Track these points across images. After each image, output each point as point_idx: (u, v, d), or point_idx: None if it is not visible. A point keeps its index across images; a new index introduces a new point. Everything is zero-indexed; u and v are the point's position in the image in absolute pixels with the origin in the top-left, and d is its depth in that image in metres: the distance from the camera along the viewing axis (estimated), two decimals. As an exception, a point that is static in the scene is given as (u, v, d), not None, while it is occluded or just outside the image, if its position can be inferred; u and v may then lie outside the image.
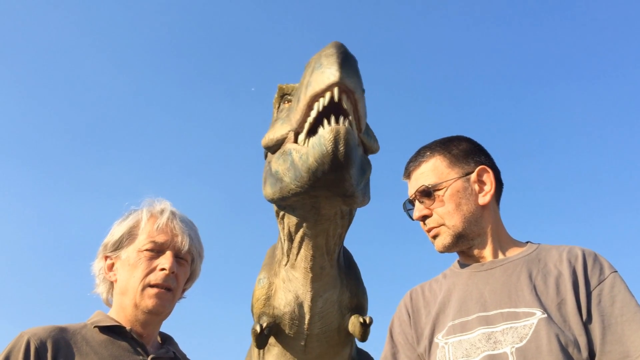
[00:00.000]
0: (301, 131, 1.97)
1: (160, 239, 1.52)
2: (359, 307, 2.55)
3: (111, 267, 1.54)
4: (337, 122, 1.81)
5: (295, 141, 2.03)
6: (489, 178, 1.54)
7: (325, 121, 1.82)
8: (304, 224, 2.20)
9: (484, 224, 1.53)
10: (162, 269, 1.48)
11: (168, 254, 1.51)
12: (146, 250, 1.50)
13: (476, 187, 1.53)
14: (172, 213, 1.59)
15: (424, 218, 1.56)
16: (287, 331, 2.47)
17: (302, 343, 2.50)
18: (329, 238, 2.26)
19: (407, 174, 1.64)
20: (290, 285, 2.40)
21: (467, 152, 1.58)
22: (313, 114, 1.86)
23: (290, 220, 2.24)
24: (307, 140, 1.94)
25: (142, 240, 1.51)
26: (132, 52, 10.96)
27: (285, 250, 2.37)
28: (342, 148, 1.74)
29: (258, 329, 2.38)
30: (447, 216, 1.51)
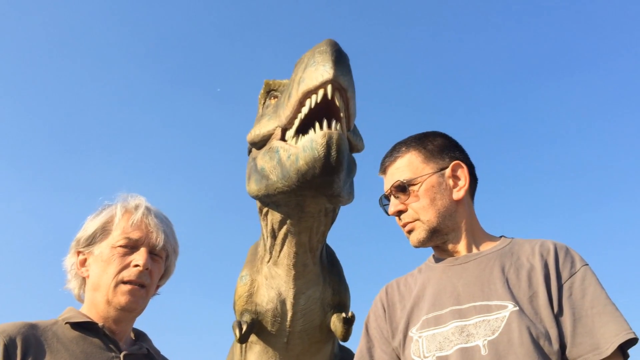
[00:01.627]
0: (290, 127, 1.96)
1: (135, 235, 1.50)
2: (342, 305, 2.55)
3: (83, 263, 1.52)
4: (329, 125, 1.80)
5: (283, 138, 2.02)
6: (463, 173, 1.56)
7: (317, 124, 1.81)
8: (288, 221, 2.19)
9: (458, 218, 1.54)
10: (136, 266, 1.47)
11: (142, 251, 1.49)
12: (120, 246, 1.48)
13: (450, 182, 1.55)
14: (147, 209, 1.56)
15: (399, 213, 1.56)
16: (269, 328, 2.46)
17: (284, 340, 2.49)
18: (313, 235, 2.26)
19: (383, 169, 1.64)
20: (273, 282, 2.39)
21: (441, 147, 1.59)
22: (304, 110, 1.85)
23: (274, 217, 2.23)
24: (296, 138, 1.92)
25: (116, 236, 1.49)
26: (116, 52, 10.87)
27: (268, 247, 2.36)
28: (334, 154, 1.74)
29: (238, 331, 2.37)
30: (422, 211, 1.52)
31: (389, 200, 1.61)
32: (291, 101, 1.85)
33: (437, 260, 1.58)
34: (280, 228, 2.26)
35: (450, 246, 1.55)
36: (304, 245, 2.28)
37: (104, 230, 1.51)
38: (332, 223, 2.35)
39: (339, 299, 2.54)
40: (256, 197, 2.20)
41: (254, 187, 2.16)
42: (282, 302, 2.40)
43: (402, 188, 1.54)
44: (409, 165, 1.56)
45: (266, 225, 2.32)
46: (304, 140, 1.81)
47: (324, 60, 1.71)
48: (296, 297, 2.37)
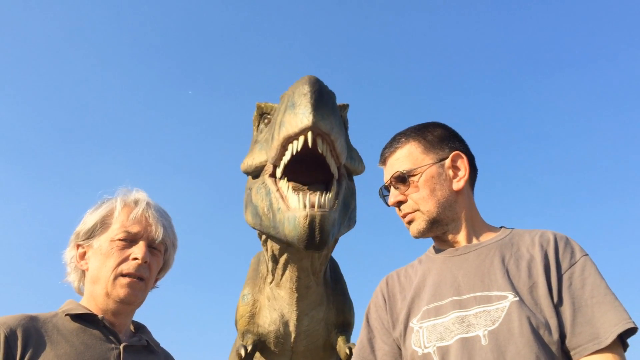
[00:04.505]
0: (278, 165, 1.93)
1: (134, 229, 1.50)
2: (346, 323, 2.52)
3: (83, 256, 1.52)
4: (313, 192, 1.78)
5: (274, 173, 1.99)
6: (463, 164, 1.55)
7: (301, 196, 1.78)
8: (288, 249, 2.17)
9: (458, 209, 1.53)
10: (135, 259, 1.47)
11: (141, 244, 1.50)
12: (119, 239, 1.49)
13: (450, 172, 1.54)
14: (147, 203, 1.57)
15: (399, 204, 1.56)
16: (272, 348, 2.45)
17: (288, 359, 2.50)
18: (315, 260, 2.23)
19: (383, 160, 1.64)
20: (276, 304, 2.36)
21: (441, 138, 1.58)
22: (288, 154, 1.81)
23: (274, 245, 2.22)
24: (285, 180, 1.91)
25: (115, 230, 1.50)
26: (120, 50, 10.85)
27: (270, 269, 2.33)
28: (318, 234, 1.72)
29: (243, 353, 2.36)
30: (422, 202, 1.52)
31: (388, 191, 1.60)
32: (274, 144, 1.83)
33: (437, 251, 1.57)
34: (281, 255, 2.25)
35: (450, 237, 1.54)
36: (306, 269, 2.26)
37: (103, 224, 1.52)
38: (334, 245, 2.33)
39: (343, 318, 2.51)
40: (253, 228, 2.20)
41: (250, 219, 2.15)
42: (285, 324, 2.38)
43: (402, 179, 1.54)
44: (408, 156, 1.56)
45: (267, 250, 2.29)
46: (290, 212, 1.78)
47: (302, 105, 1.65)
48: (299, 318, 2.35)
